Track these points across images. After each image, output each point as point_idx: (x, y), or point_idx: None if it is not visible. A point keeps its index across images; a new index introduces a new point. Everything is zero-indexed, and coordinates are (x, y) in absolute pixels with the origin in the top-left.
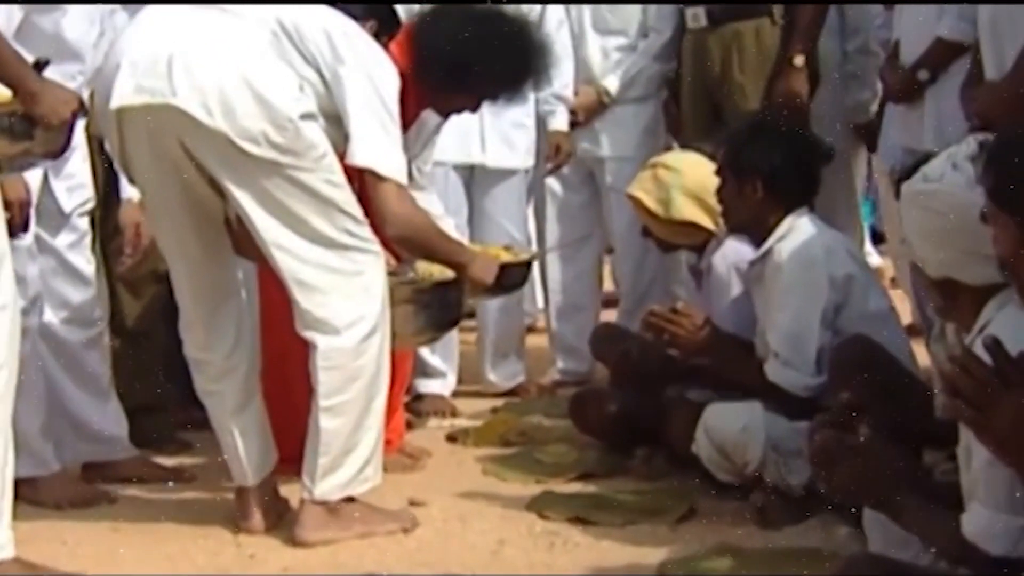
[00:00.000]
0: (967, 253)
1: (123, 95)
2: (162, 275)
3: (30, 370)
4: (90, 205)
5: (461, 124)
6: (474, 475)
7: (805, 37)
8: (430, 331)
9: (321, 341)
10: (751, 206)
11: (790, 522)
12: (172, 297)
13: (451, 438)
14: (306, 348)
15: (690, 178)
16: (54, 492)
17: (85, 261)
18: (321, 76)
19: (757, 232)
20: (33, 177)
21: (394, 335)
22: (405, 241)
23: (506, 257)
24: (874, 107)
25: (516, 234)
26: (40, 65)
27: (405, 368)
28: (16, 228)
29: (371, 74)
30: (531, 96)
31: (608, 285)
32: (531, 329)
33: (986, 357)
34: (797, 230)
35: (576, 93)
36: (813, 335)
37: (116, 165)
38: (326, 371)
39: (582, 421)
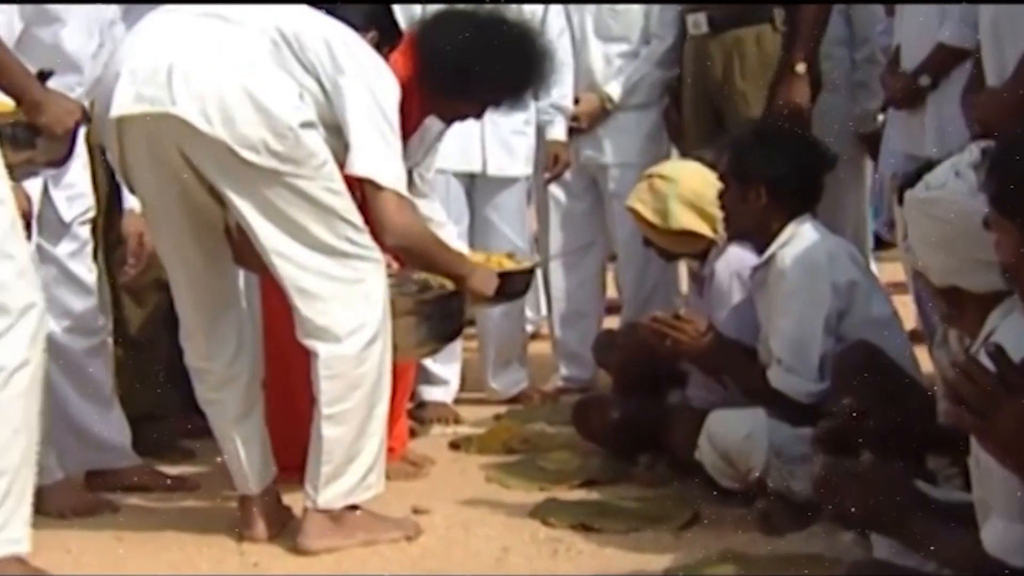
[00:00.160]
0: (970, 260)
1: (123, 104)
2: (165, 284)
3: None
4: (91, 214)
5: (462, 132)
6: (477, 482)
7: (807, 44)
8: (432, 343)
9: (322, 349)
10: (754, 212)
11: (794, 528)
12: (175, 306)
13: (454, 445)
14: (308, 356)
15: (686, 187)
16: (57, 500)
17: (87, 270)
18: (321, 86)
19: (760, 238)
20: (33, 187)
21: (396, 347)
22: (404, 251)
23: (509, 265)
24: (882, 117)
25: (518, 241)
26: (44, 76)
27: (408, 376)
28: None
29: (371, 84)
30: (532, 103)
31: (611, 291)
32: (534, 336)
33: (989, 364)
34: (800, 236)
35: (578, 100)
36: (816, 341)
37: (116, 174)
38: (328, 379)
39: (585, 428)
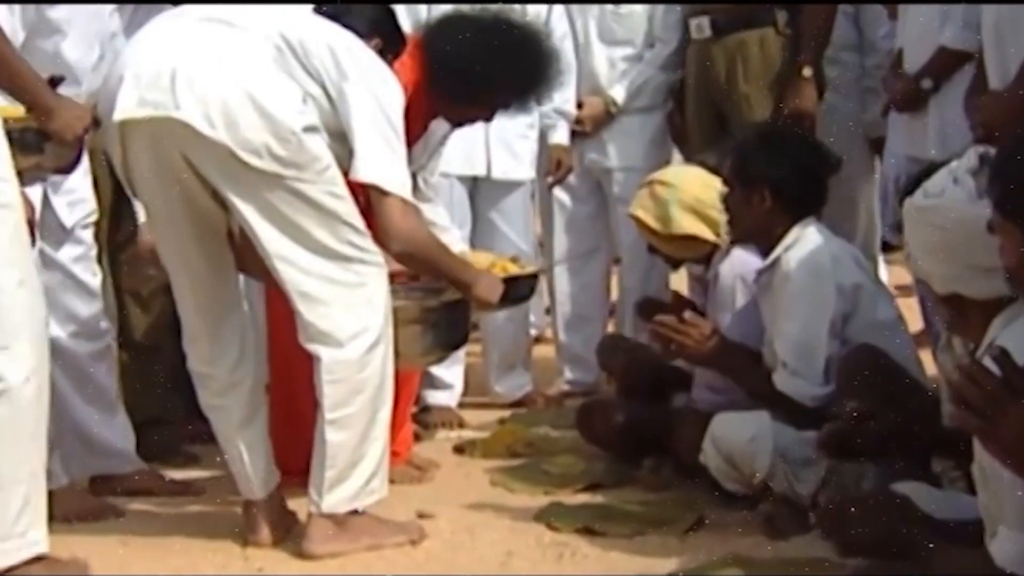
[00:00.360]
0: (971, 267)
1: (126, 108)
2: (170, 288)
3: None
4: (92, 218)
5: (466, 136)
6: (482, 486)
7: (813, 47)
8: (439, 351)
9: (325, 353)
10: (758, 215)
11: (798, 531)
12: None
13: (458, 449)
14: (311, 361)
15: (687, 192)
16: (62, 506)
17: (91, 274)
18: (325, 92)
19: (764, 241)
20: (33, 193)
21: (402, 356)
22: (408, 257)
23: (514, 269)
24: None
25: (522, 245)
26: (55, 81)
27: (412, 380)
28: None
29: (375, 90)
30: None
31: (615, 295)
32: (538, 340)
33: (994, 367)
34: (804, 239)
35: (582, 104)
36: (821, 344)
37: (119, 178)
38: (330, 384)
39: (589, 432)
